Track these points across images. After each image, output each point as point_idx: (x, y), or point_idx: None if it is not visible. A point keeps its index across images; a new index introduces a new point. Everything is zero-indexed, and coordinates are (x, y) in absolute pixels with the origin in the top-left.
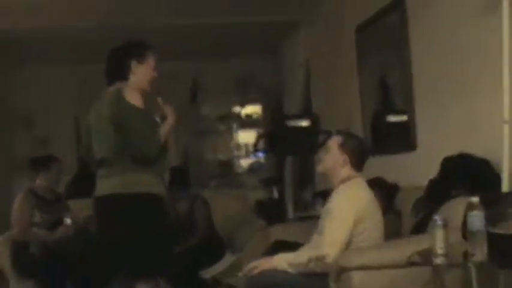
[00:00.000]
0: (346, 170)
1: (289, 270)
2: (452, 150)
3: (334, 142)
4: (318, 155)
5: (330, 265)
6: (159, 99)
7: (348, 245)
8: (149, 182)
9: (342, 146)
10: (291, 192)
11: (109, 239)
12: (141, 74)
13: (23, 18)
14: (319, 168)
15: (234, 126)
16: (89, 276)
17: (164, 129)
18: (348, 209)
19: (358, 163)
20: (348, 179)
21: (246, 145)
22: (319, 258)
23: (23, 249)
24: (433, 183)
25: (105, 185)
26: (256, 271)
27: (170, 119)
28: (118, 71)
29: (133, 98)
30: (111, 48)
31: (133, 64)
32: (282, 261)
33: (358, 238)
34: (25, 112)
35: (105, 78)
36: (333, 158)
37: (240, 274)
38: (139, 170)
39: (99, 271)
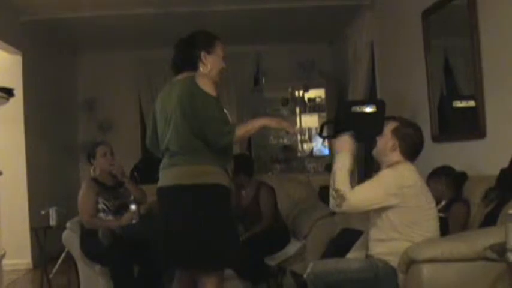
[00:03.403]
0: (395, 156)
1: None
2: None
3: (389, 127)
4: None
5: (342, 208)
6: None
7: (376, 212)
8: (213, 173)
9: (395, 131)
10: (355, 179)
11: (172, 231)
12: (210, 64)
13: (84, 7)
14: (373, 152)
15: (297, 110)
16: (154, 261)
17: (256, 122)
18: (391, 179)
19: (408, 151)
20: (396, 164)
21: (309, 129)
22: (340, 196)
23: (91, 235)
24: (504, 173)
25: (168, 175)
26: None
27: (270, 121)
28: (187, 61)
29: (207, 86)
30: (179, 38)
31: (203, 54)
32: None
33: (400, 216)
34: (87, 97)
35: (172, 68)
36: (383, 141)
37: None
38: (203, 161)
39: (162, 259)
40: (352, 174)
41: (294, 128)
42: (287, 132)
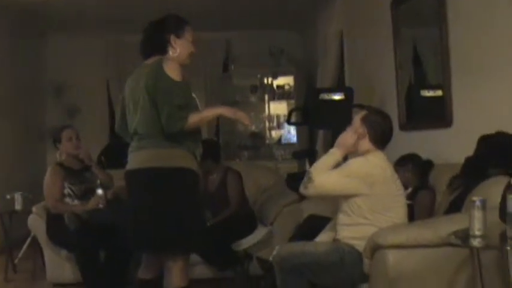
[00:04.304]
0: (364, 144)
1: None
2: (489, 127)
3: (357, 115)
4: None
5: (306, 189)
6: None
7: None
8: (181, 157)
9: (363, 119)
10: None
11: (140, 214)
12: (179, 48)
13: None
14: None
15: (266, 97)
16: (121, 246)
17: (212, 110)
18: (360, 167)
19: (377, 138)
20: (366, 152)
21: (277, 116)
22: (309, 179)
23: (57, 220)
24: (469, 161)
25: (137, 158)
26: None
27: (226, 110)
28: (156, 45)
29: (172, 70)
30: (148, 22)
31: (172, 38)
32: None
33: (369, 202)
34: (56, 82)
35: (141, 52)
36: (353, 130)
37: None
38: (171, 144)
39: (130, 243)
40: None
41: (249, 119)
42: (244, 124)
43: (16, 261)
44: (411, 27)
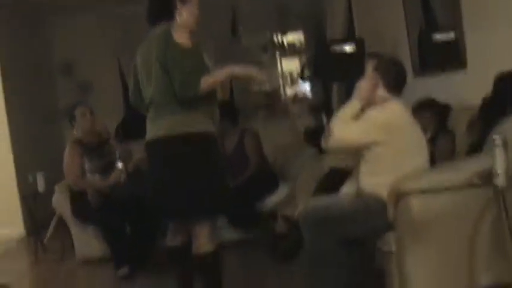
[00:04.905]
0: (380, 92)
1: None
2: (504, 66)
3: (369, 65)
4: None
5: (327, 143)
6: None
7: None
8: (198, 122)
9: (375, 68)
10: None
11: (162, 182)
12: (186, 13)
13: None
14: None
15: (278, 55)
16: (146, 217)
17: (224, 71)
18: (378, 116)
19: (391, 84)
20: (383, 101)
21: (290, 73)
22: (330, 131)
23: (80, 197)
24: (487, 101)
25: (155, 128)
26: None
27: (239, 69)
28: (162, 12)
29: (181, 37)
30: None
31: (178, 4)
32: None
33: (390, 149)
34: (66, 59)
35: (147, 19)
36: (367, 79)
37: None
38: (187, 110)
39: (154, 213)
40: None
41: (264, 75)
42: (259, 81)
43: (45, 241)
44: None
